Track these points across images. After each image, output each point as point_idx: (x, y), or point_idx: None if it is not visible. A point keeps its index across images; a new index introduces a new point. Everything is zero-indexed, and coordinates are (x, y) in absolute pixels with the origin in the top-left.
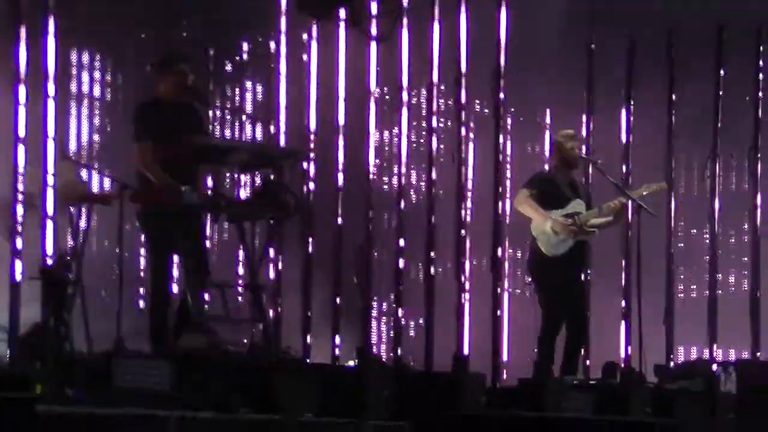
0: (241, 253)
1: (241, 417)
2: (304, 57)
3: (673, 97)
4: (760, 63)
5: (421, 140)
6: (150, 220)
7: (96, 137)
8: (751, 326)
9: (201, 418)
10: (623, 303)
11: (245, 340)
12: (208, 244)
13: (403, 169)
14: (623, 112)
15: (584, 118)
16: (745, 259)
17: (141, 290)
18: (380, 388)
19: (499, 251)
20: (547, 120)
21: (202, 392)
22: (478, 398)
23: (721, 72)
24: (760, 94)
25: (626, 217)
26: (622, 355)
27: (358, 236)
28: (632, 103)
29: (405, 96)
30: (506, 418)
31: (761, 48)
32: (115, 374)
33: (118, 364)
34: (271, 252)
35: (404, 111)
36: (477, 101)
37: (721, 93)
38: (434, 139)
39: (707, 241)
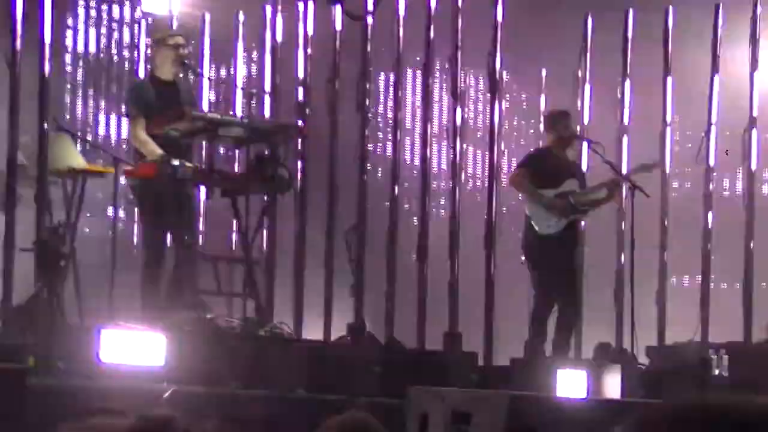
0: (234, 227)
1: (232, 391)
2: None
3: (669, 79)
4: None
5: (417, 118)
6: (144, 194)
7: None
8: (743, 310)
9: (192, 392)
10: (616, 284)
11: (237, 315)
12: (201, 218)
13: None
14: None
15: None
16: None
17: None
18: (371, 364)
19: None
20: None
21: (193, 367)
22: (469, 376)
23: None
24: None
25: (620, 197)
26: (615, 336)
27: (351, 214)
28: (629, 82)
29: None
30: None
31: (758, 25)
32: (106, 347)
33: (110, 337)
34: (265, 227)
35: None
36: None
37: (716, 72)
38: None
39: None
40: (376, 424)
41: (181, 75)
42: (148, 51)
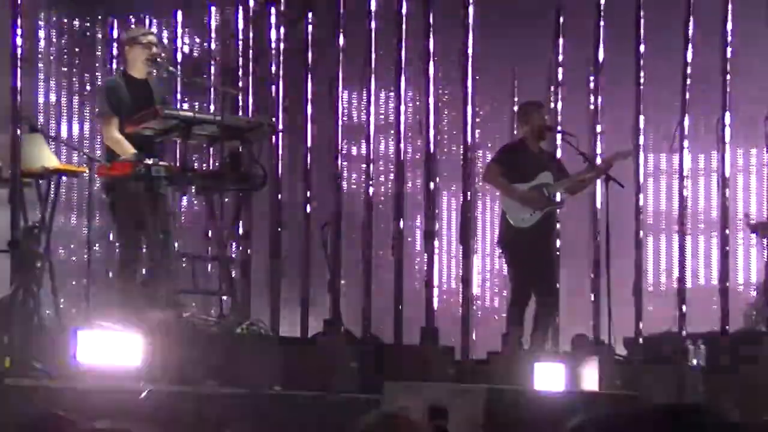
0: (209, 225)
1: (209, 390)
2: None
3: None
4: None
5: (390, 113)
6: (117, 193)
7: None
8: (720, 301)
9: (169, 391)
10: (592, 275)
11: (214, 313)
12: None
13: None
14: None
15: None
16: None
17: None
18: (348, 360)
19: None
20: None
21: (170, 366)
22: (446, 371)
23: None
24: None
25: (593, 185)
26: (591, 327)
27: (327, 209)
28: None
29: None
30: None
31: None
32: (83, 348)
33: (86, 338)
34: (240, 224)
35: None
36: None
37: (689, 60)
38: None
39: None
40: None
41: (154, 73)
42: (121, 49)
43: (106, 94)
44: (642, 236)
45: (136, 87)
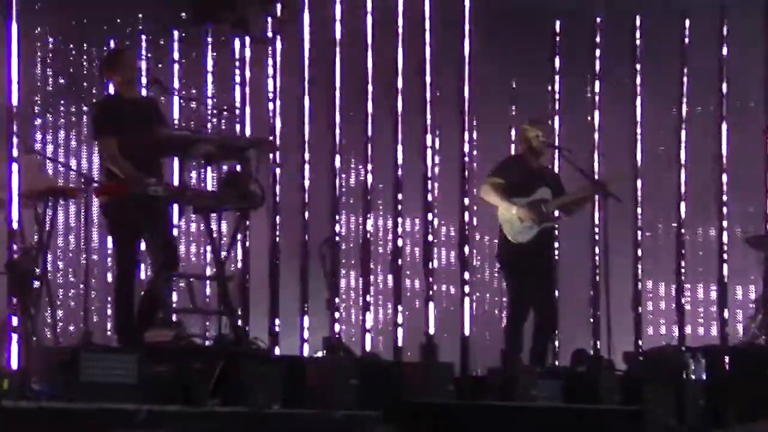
0: (207, 244)
1: (208, 409)
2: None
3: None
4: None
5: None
6: (116, 213)
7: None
8: (718, 313)
9: (168, 411)
10: (591, 291)
11: (212, 332)
12: (175, 234)
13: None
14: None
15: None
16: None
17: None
18: (348, 378)
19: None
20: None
21: (169, 385)
22: (446, 387)
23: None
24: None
25: (592, 202)
26: (591, 342)
27: (326, 227)
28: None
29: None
30: (475, 407)
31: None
32: (82, 368)
33: (85, 358)
34: (239, 243)
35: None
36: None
37: (685, 80)
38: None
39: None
40: None
41: (149, 94)
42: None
43: (101, 116)
44: (641, 253)
45: (130, 107)
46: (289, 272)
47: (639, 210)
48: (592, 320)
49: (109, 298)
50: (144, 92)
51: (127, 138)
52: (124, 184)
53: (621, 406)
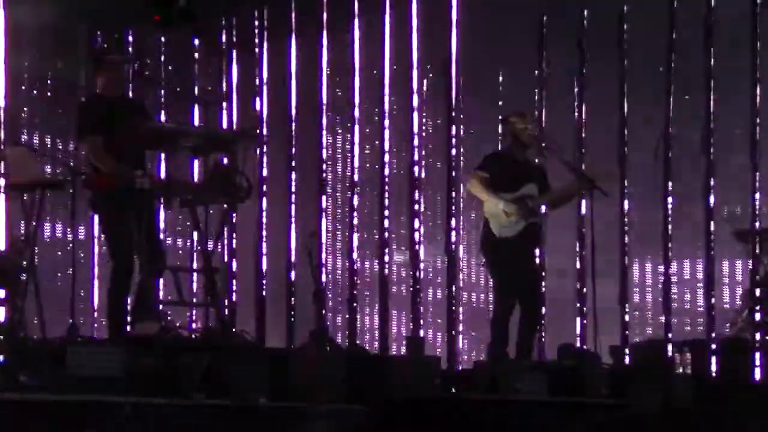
0: (194, 237)
1: (194, 402)
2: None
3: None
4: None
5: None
6: (103, 205)
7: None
8: (705, 307)
9: (155, 403)
10: (578, 285)
11: (199, 325)
12: (162, 228)
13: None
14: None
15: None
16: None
17: (94, 275)
18: (334, 371)
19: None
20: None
21: (155, 378)
22: (433, 381)
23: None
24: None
25: (578, 196)
26: (578, 336)
27: (311, 221)
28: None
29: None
30: (461, 401)
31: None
32: (69, 361)
33: (72, 351)
34: (225, 236)
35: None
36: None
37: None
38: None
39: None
40: None
41: (134, 86)
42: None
43: (85, 114)
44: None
45: (113, 105)
46: (275, 264)
47: (626, 205)
48: (578, 315)
49: (97, 290)
50: (131, 87)
51: (112, 135)
52: (110, 177)
53: (607, 399)
